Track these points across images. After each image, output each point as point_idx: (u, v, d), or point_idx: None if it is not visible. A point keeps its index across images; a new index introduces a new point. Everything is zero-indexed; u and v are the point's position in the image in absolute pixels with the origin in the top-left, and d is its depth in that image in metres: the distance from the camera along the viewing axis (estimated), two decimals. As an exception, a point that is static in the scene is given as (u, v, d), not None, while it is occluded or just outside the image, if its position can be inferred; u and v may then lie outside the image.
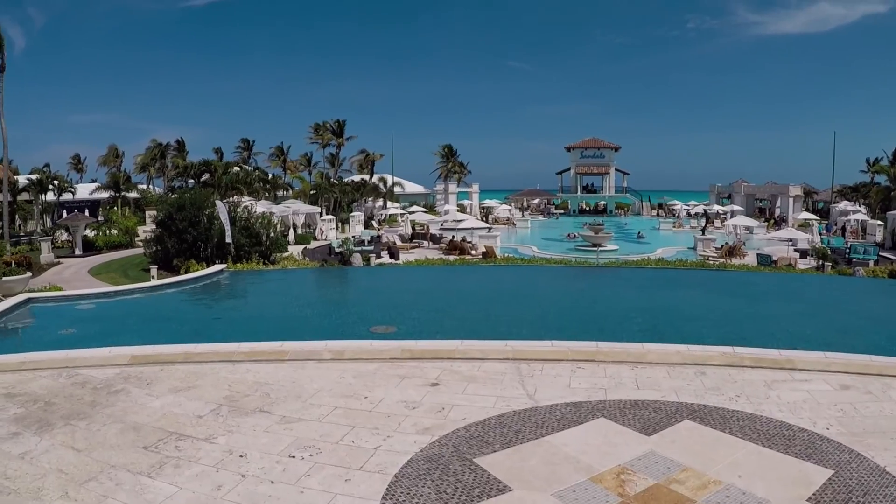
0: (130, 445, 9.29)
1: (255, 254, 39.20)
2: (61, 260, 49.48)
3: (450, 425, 9.94)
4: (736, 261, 47.68)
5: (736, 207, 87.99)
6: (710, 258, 49.45)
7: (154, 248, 41.40)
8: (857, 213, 74.82)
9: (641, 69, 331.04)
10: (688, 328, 19.50)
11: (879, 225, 65.76)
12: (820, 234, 60.91)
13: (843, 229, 67.43)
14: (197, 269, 36.40)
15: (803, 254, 50.82)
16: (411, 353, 13.18)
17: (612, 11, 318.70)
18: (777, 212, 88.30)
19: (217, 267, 32.62)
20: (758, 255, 46.79)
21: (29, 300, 22.38)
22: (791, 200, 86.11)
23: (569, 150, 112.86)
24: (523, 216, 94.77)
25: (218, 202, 39.57)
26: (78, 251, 53.99)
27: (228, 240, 37.49)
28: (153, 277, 35.05)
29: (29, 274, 25.14)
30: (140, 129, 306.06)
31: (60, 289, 30.93)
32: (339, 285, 30.81)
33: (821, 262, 44.18)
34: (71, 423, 10.14)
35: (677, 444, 9.34)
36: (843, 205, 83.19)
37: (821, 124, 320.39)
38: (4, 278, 23.83)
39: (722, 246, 54.34)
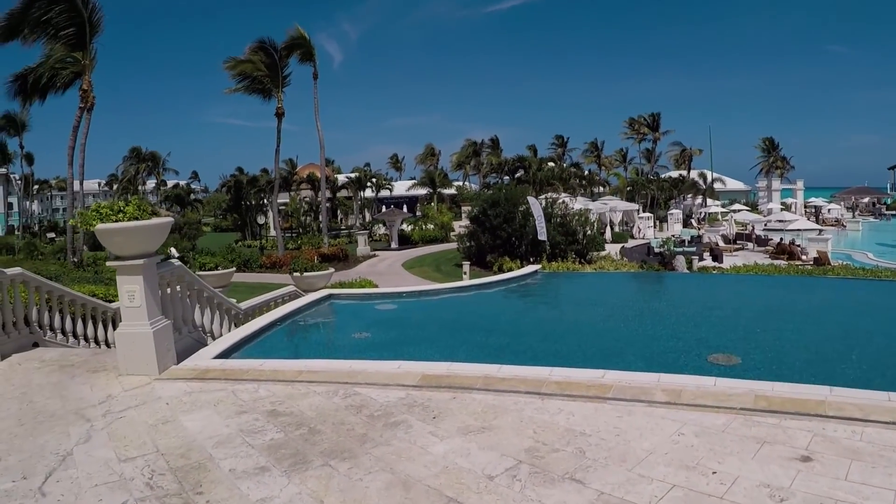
0: (391, 514, 6.81)
1: (571, 252, 36.92)
2: (377, 253, 49.88)
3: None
4: None
5: None
6: None
7: (468, 244, 40.18)
8: None
9: None
10: None
11: None
12: None
13: None
14: (510, 267, 34.60)
15: None
16: (768, 401, 9.46)
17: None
18: None
19: (530, 268, 30.26)
20: None
21: (330, 296, 20.82)
22: None
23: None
24: (853, 217, 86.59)
25: (531, 198, 37.43)
26: (394, 244, 54.56)
27: (542, 237, 35.32)
28: (465, 274, 33.61)
29: (331, 270, 23.86)
30: (456, 129, 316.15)
31: (368, 284, 30.04)
32: (663, 294, 26.68)
33: None
34: (331, 463, 7.71)
35: None
36: None
37: None
38: (306, 273, 22.60)
39: None
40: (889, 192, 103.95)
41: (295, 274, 22.87)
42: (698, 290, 27.48)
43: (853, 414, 8.82)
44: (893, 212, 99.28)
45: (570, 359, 13.13)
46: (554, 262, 33.82)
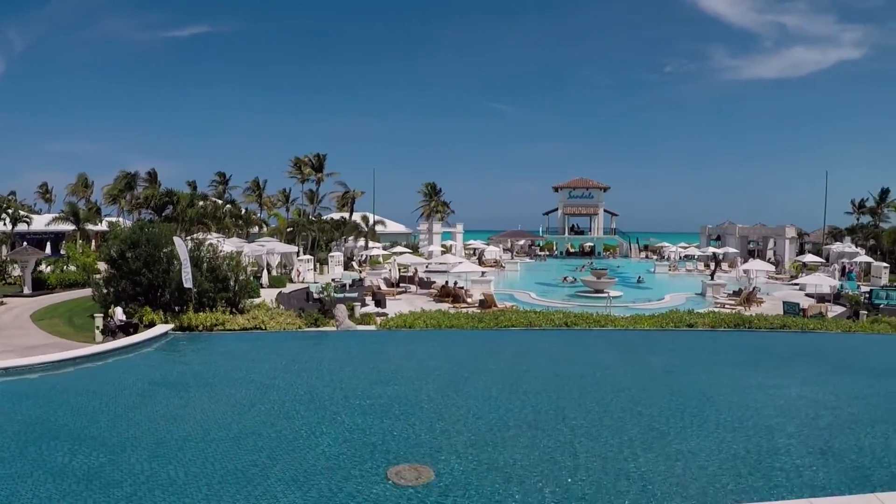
0: None
1: (222, 300, 31.95)
2: (5, 300, 41.90)
3: None
4: (753, 308, 41.82)
5: (731, 250, 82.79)
6: (726, 305, 43.49)
7: (105, 291, 33.89)
8: (856, 255, 70.06)
9: (624, 110, 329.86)
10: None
11: (885, 267, 62.25)
12: (848, 279, 55.86)
13: (844, 271, 62.12)
14: (152, 319, 29.23)
15: (820, 299, 45.69)
16: None
17: (591, 53, 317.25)
18: (769, 255, 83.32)
19: (160, 328, 25.07)
20: (784, 303, 40.79)
21: None
22: (787, 242, 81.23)
23: (557, 189, 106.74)
24: (512, 258, 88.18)
25: (177, 239, 31.99)
26: (27, 290, 46.24)
27: (188, 284, 30.19)
28: (98, 328, 27.88)
29: None
30: (118, 160, 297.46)
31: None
32: (322, 368, 20.57)
33: (854, 311, 39.10)
34: None
35: None
36: (838, 246, 78.46)
37: (801, 166, 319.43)
38: None
39: (738, 292, 48.57)
40: (542, 234, 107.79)
41: None
42: (364, 359, 22.72)
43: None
44: (547, 253, 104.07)
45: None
46: (201, 314, 29.04)
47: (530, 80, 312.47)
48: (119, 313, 28.16)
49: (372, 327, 30.62)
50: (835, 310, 41.23)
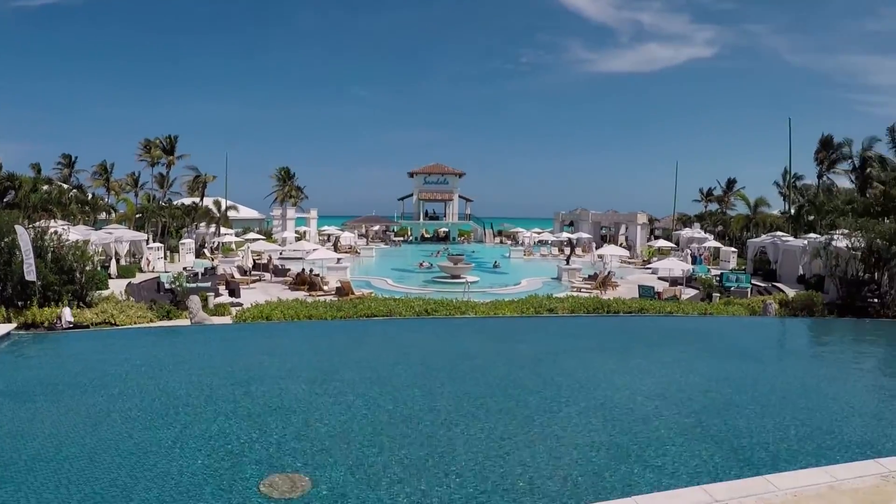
0: None
1: (68, 294, 30.18)
2: None
3: None
4: (609, 292, 42.80)
5: (584, 235, 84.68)
6: (583, 289, 44.37)
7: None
8: (705, 240, 72.80)
9: (481, 98, 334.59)
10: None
11: (733, 251, 65.47)
12: (695, 263, 57.96)
13: (694, 257, 64.44)
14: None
15: (673, 282, 47.57)
16: None
17: (451, 41, 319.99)
18: (621, 240, 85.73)
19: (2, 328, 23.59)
20: (639, 286, 41.91)
21: None
22: (639, 228, 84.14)
23: (412, 175, 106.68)
24: (367, 244, 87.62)
25: (19, 227, 30.00)
26: None
27: (31, 277, 28.39)
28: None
29: None
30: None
31: None
32: (178, 368, 18.71)
33: (707, 293, 40.80)
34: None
35: None
36: (687, 232, 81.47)
37: (652, 156, 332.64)
38: None
39: (593, 276, 49.61)
40: (397, 220, 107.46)
41: None
42: (223, 354, 21.40)
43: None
44: (402, 238, 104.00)
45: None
46: (46, 308, 27.24)
47: (390, 65, 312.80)
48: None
49: (227, 319, 29.49)
50: (688, 292, 42.62)
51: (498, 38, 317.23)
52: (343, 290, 38.47)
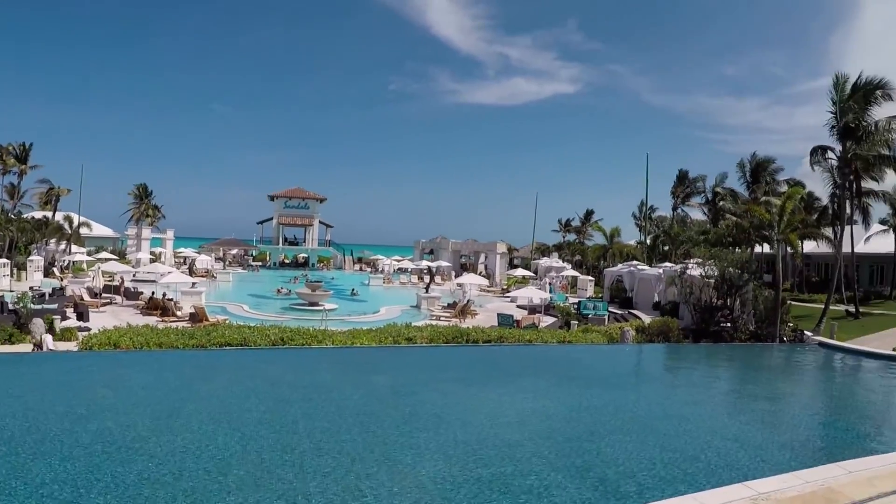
0: None
1: None
2: None
3: None
4: (468, 320, 43.25)
5: (444, 263, 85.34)
6: (442, 317, 44.74)
7: None
8: (563, 269, 74.77)
9: (347, 124, 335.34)
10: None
11: (590, 280, 67.51)
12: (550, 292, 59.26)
13: (550, 285, 66.08)
14: None
15: (532, 310, 48.34)
16: None
17: (320, 64, 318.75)
18: (480, 268, 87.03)
19: None
20: (498, 315, 42.62)
21: None
22: (498, 257, 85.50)
23: (273, 198, 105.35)
24: (224, 268, 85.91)
25: None
26: None
27: None
28: None
29: None
30: None
31: None
32: (14, 402, 16.99)
33: (565, 321, 42.18)
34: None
35: None
36: (546, 261, 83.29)
37: (513, 187, 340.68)
38: None
39: (452, 304, 50.10)
40: (256, 244, 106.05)
41: None
42: (64, 385, 19.75)
43: None
44: (261, 263, 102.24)
45: None
46: None
47: (256, 84, 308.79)
48: None
49: (73, 345, 28.25)
50: (546, 320, 43.44)
51: (367, 64, 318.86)
52: (197, 317, 37.47)
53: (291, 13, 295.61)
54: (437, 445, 13.54)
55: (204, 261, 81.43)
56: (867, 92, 45.13)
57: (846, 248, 55.88)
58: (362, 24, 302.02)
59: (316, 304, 49.33)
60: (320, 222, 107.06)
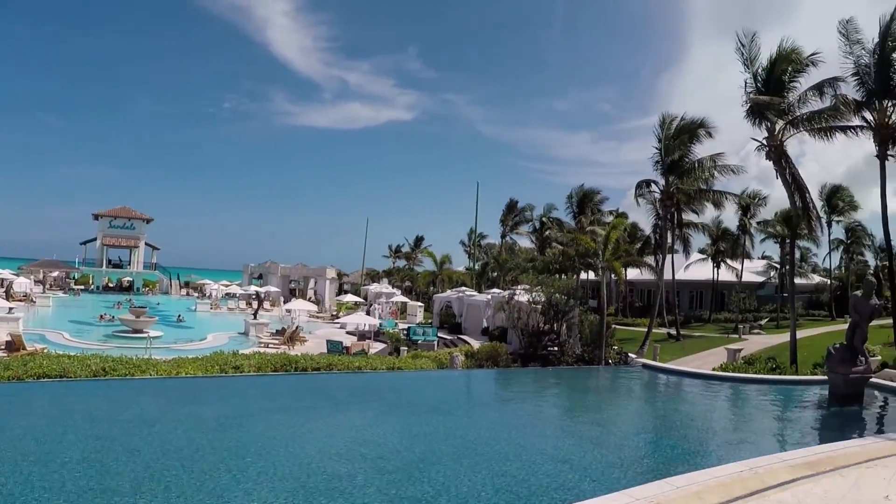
0: None
1: None
2: None
3: None
4: (297, 347, 43.11)
5: (273, 289, 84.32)
6: (270, 344, 44.28)
7: None
8: (393, 295, 75.36)
9: (177, 141, 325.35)
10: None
11: (420, 306, 67.81)
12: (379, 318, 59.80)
13: (379, 311, 66.87)
14: None
15: (361, 336, 48.66)
16: None
17: (155, 77, 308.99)
18: (310, 294, 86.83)
19: None
20: (328, 342, 42.70)
21: None
22: (328, 283, 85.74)
23: (97, 217, 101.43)
24: (44, 292, 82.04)
25: None
26: None
27: None
28: None
29: None
30: None
31: None
32: None
33: (395, 347, 42.71)
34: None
35: None
36: (375, 287, 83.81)
37: (345, 211, 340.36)
38: None
39: (281, 331, 49.58)
40: (78, 266, 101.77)
41: None
42: None
43: None
44: (83, 287, 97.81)
45: None
46: None
47: (87, 94, 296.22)
48: None
49: None
50: (376, 346, 43.71)
51: (203, 80, 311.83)
52: (14, 345, 35.58)
53: (128, 22, 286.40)
54: (266, 479, 13.27)
55: (22, 283, 77.28)
56: (690, 130, 47.92)
57: (667, 276, 59.10)
58: (200, 39, 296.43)
59: (140, 330, 47.86)
60: (146, 244, 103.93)
